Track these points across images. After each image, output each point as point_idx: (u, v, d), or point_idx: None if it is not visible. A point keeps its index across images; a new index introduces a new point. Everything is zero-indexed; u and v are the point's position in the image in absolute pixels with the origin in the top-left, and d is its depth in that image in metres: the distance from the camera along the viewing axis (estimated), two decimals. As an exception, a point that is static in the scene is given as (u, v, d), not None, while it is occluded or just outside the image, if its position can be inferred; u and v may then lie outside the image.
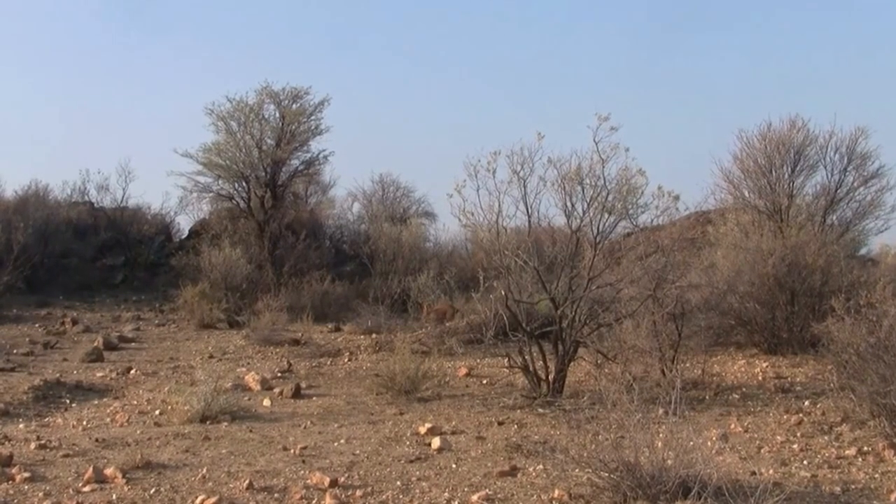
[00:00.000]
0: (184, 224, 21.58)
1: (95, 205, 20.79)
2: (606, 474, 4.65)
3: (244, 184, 18.26)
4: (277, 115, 18.44)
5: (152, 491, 5.14)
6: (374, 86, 40.14)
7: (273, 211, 18.12)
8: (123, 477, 5.35)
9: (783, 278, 10.25)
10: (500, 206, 8.36)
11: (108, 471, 5.44)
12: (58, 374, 9.39)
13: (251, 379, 9.14)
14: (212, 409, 7.26)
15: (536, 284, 8.60)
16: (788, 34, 39.23)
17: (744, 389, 8.42)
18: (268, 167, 18.21)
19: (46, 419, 7.45)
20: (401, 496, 5.04)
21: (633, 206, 8.26)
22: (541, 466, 5.54)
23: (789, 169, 12.72)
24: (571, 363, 8.44)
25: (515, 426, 7.02)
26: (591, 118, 7.97)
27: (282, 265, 16.87)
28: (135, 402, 8.26)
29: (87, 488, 5.20)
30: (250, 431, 6.88)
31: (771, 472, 5.44)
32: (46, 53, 39.88)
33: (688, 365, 8.80)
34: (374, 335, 12.51)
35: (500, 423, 7.12)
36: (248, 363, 10.83)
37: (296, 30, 41.76)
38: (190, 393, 7.50)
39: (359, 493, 5.07)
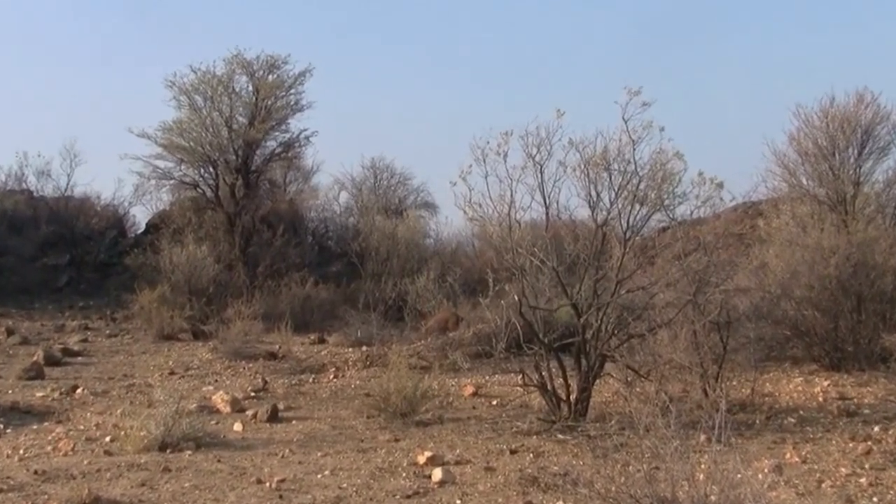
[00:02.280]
0: (140, 217, 21.73)
1: (35, 194, 20.89)
2: (638, 512, 4.63)
3: (211, 169, 18.34)
4: (250, 88, 18.52)
5: (102, 532, 5.15)
6: (363, 54, 40.34)
7: (245, 201, 18.17)
8: (68, 515, 5.33)
9: (848, 281, 10.23)
10: (512, 195, 8.31)
11: (50, 508, 5.40)
12: (-10, 394, 9.41)
13: (220, 399, 9.14)
14: (173, 434, 7.25)
15: (555, 288, 8.60)
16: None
17: (801, 412, 8.40)
18: (239, 149, 18.27)
19: (-24, 447, 7.42)
20: (395, 538, 5.04)
21: (669, 195, 8.20)
22: (561, 503, 5.51)
23: (855, 151, 12.66)
24: (597, 381, 8.43)
25: (531, 455, 7.01)
26: (618, 93, 7.85)
27: (256, 265, 16.98)
28: (81, 427, 8.25)
29: (24, 529, 5.20)
30: (218, 461, 6.88)
31: (834, 510, 5.41)
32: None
33: (734, 383, 8.77)
34: (364, 348, 12.52)
35: (512, 452, 7.11)
36: (216, 381, 10.84)
37: (272, -12, 41.88)
38: (147, 416, 7.47)
39: (346, 534, 5.07)
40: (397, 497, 5.85)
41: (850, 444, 7.18)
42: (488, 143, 8.23)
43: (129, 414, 7.96)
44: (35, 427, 8.28)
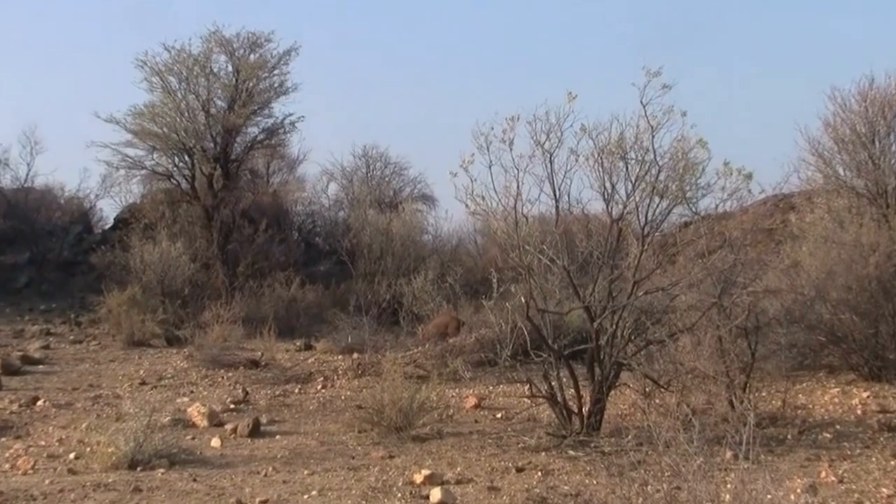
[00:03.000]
0: (108, 210, 21.78)
1: (-9, 185, 20.87)
2: (657, 537, 4.65)
3: (187, 158, 18.38)
4: (230, 68, 18.56)
5: (66, 559, 5.13)
6: (355, 32, 40.27)
7: (224, 193, 18.21)
8: (28, 540, 5.31)
9: (890, 282, 10.22)
10: (518, 187, 8.29)
11: (9, 532, 5.40)
12: (-58, 407, 9.39)
13: (196, 412, 9.12)
14: (144, 451, 7.23)
15: (566, 289, 8.59)
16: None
17: (838, 427, 8.36)
18: (217, 136, 18.32)
19: (-73, 465, 7.40)
20: (390, 565, 5.03)
21: (691, 187, 8.18)
22: (572, 526, 5.51)
23: (898, 138, 12.68)
24: (612, 392, 8.42)
25: (539, 473, 6.98)
26: (635, 74, 7.81)
27: (236, 264, 17.04)
28: (43, 443, 8.23)
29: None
30: (194, 480, 6.85)
31: (874, 534, 5.40)
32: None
33: (764, 394, 8.82)
34: (355, 355, 12.52)
35: (518, 470, 7.08)
36: (192, 391, 10.84)
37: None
38: (115, 430, 7.43)
39: (335, 560, 5.07)
40: (392, 520, 5.83)
41: (893, 463, 7.15)
42: (492, 129, 8.19)
43: (96, 428, 7.94)
44: (-8, 443, 8.24)
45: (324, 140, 38.30)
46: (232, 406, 9.90)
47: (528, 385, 8.41)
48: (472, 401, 9.88)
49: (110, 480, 6.79)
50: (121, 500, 6.28)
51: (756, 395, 8.38)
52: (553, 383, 8.24)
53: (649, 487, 4.97)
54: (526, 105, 8.47)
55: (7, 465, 7.38)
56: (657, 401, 8.08)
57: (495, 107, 10.62)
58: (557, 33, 41.35)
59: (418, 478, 6.69)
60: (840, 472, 6.87)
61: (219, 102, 18.43)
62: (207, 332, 13.10)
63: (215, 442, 8.15)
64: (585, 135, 8.17)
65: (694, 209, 8.45)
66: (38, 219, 20.07)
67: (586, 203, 8.68)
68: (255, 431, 8.53)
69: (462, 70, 40.19)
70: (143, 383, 11.31)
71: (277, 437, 8.52)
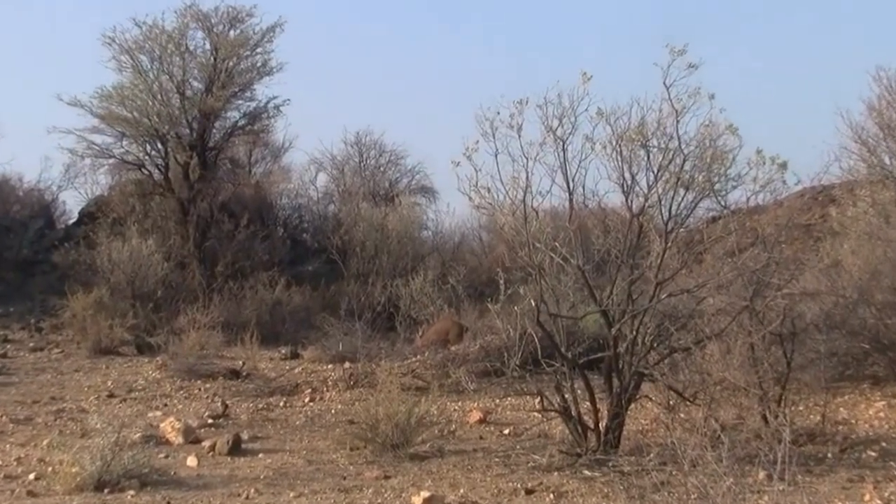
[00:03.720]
0: (72, 204, 21.74)
1: (-59, 175, 20.84)
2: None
3: (160, 145, 18.34)
4: (208, 45, 18.53)
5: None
6: (346, 5, 40.25)
7: (202, 185, 18.17)
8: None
9: (941, 283, 10.14)
10: (528, 178, 8.23)
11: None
12: None
13: (170, 427, 9.09)
14: (112, 471, 7.19)
15: (581, 291, 8.61)
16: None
17: (883, 444, 8.32)
18: (194, 121, 18.30)
19: None
20: None
21: (720, 177, 8.14)
22: (588, 554, 5.49)
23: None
24: (632, 405, 8.40)
25: (551, 496, 6.94)
26: (658, 53, 7.75)
27: (214, 263, 17.04)
28: None
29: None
30: (168, 503, 6.83)
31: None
32: None
33: (801, 408, 8.82)
34: (347, 364, 12.48)
35: (528, 492, 7.05)
36: (166, 405, 10.80)
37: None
38: (80, 448, 7.40)
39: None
40: (387, 547, 5.82)
41: (944, 484, 7.12)
42: (498, 113, 8.13)
43: (59, 446, 7.88)
44: (-57, 462, 8.22)
45: (312, 126, 38.09)
46: (210, 421, 9.85)
47: (539, 397, 8.38)
48: (476, 415, 9.87)
49: (74, 503, 6.75)
50: (86, 526, 6.27)
51: (792, 408, 8.32)
52: (566, 395, 8.21)
53: (674, 511, 4.96)
54: (536, 87, 8.66)
55: (-40, 487, 7.33)
56: (682, 415, 8.06)
57: (502, 89, 10.64)
58: (570, 6, 41.27)
59: (417, 500, 6.65)
60: (886, 494, 6.81)
61: (195, 84, 18.40)
62: (183, 339, 13.02)
63: (191, 461, 8.08)
64: (602, 120, 8.11)
65: (723, 202, 8.40)
66: (-6, 213, 20.04)
67: (603, 195, 8.66)
68: (236, 449, 8.46)
69: (467, 47, 40.11)
70: (111, 396, 11.27)
71: (260, 455, 8.46)
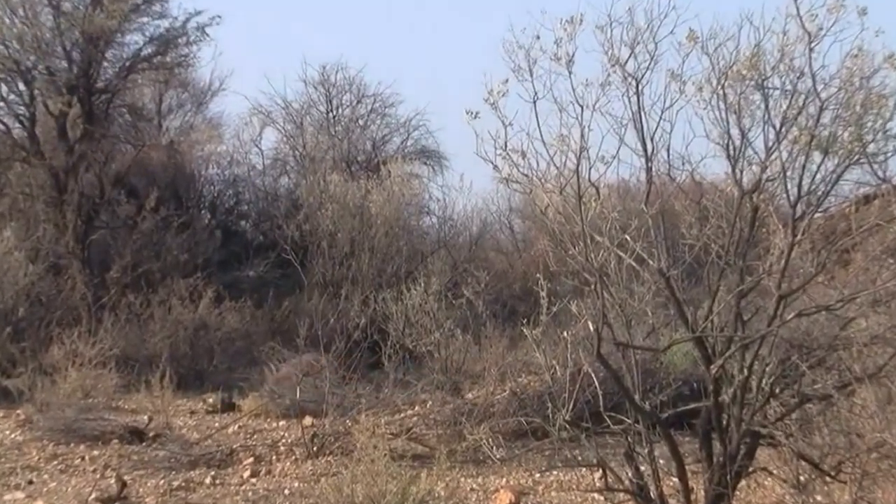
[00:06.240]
0: None
1: None
2: None
3: (22, 86, 15.33)
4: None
5: None
6: None
7: (86, 147, 15.30)
8: None
9: None
10: (583, 136, 6.87)
11: None
12: None
13: (37, 518, 8.09)
14: None
15: (664, 309, 7.55)
16: None
17: None
18: (74, 49, 15.33)
19: None
20: None
21: (876, 135, 6.80)
22: None
23: None
24: (742, 481, 7.31)
25: None
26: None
27: (106, 266, 14.65)
28: None
29: None
30: None
31: None
32: None
33: None
34: (308, 420, 10.92)
35: None
36: (32, 482, 9.34)
37: None
38: None
39: None
40: None
41: None
42: (538, 37, 6.82)
43: None
44: None
45: (256, 57, 30.79)
46: (99, 508, 8.82)
47: (601, 470, 7.35)
48: (505, 497, 8.61)
49: None
50: None
51: None
52: (642, 468, 7.17)
53: None
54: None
55: None
56: (819, 498, 7.26)
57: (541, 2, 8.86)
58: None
59: None
60: None
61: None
62: (57, 382, 11.11)
63: (68, 572, 7.25)
64: (696, 47, 6.92)
65: (882, 174, 7.23)
66: None
67: (697, 164, 7.31)
68: (136, 553, 7.47)
69: None
70: (-50, 468, 10.49)
71: (174, 566, 7.57)
